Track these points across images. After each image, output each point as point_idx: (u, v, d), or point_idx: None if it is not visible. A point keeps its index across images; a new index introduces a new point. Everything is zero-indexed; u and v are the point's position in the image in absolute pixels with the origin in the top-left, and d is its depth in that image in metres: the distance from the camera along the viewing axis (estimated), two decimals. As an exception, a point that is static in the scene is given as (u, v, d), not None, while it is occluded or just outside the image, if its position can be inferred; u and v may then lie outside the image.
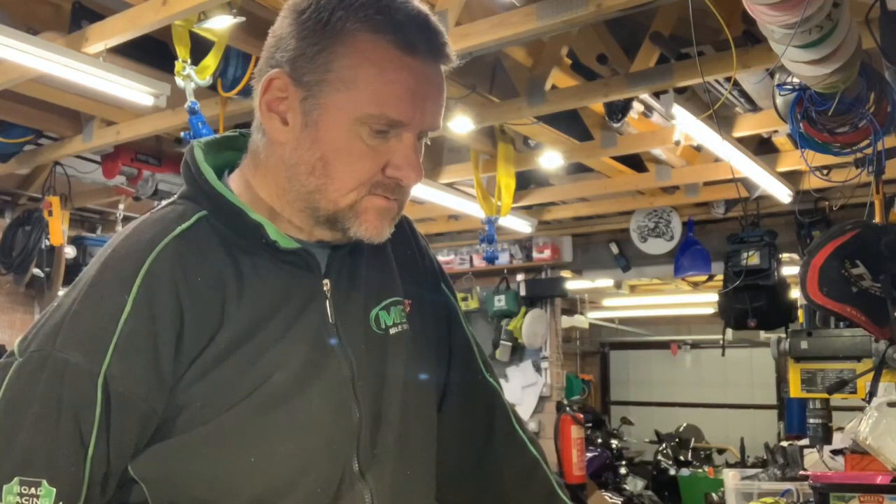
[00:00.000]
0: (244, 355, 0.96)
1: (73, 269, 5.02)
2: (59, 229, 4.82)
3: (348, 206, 1.00)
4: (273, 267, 1.01)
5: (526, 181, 5.13)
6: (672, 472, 7.81)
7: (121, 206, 4.97)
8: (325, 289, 1.05)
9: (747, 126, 3.86)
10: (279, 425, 0.97)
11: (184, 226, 0.99)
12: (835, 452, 2.91)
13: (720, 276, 5.30)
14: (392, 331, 1.10)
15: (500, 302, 6.48)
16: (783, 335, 2.67)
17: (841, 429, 3.03)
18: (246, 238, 1.01)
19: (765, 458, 5.72)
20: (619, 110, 3.66)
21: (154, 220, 1.02)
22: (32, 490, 0.87)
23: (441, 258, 6.43)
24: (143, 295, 0.93)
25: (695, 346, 10.09)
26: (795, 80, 2.56)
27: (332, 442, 1.00)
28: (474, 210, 4.85)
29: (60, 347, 0.91)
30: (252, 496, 0.96)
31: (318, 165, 0.99)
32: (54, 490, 0.87)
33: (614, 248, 6.15)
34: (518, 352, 6.50)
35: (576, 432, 6.18)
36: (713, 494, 6.10)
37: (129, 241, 0.99)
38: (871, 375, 2.29)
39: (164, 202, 1.07)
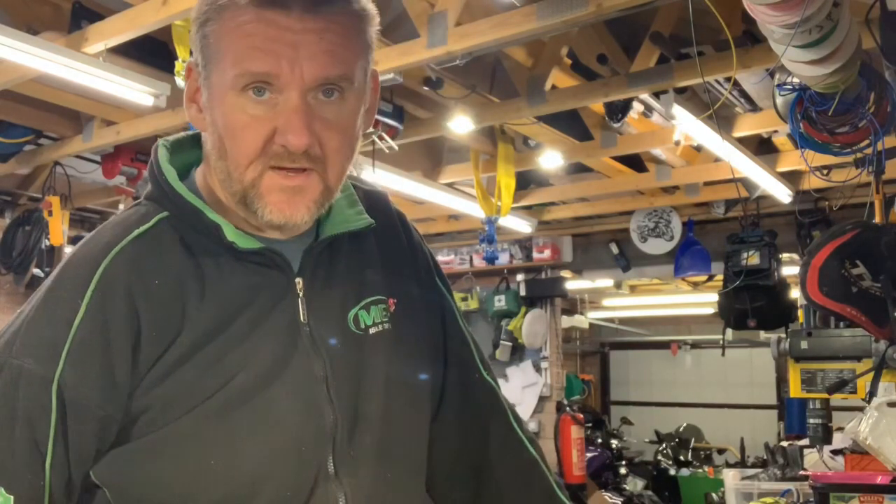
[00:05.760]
0: (206, 357, 0.94)
1: (73, 269, 5.02)
2: (59, 229, 4.83)
3: (250, 186, 0.96)
4: (238, 267, 0.99)
5: (526, 181, 5.13)
6: (672, 472, 7.82)
7: (121, 206, 4.96)
8: (297, 287, 1.02)
9: (747, 126, 3.86)
10: (241, 427, 0.94)
11: (142, 228, 0.98)
12: (835, 452, 2.91)
13: (720, 276, 5.30)
14: (372, 330, 1.07)
15: (500, 302, 6.48)
16: (783, 335, 2.67)
17: (841, 429, 3.03)
18: (208, 238, 0.99)
19: (765, 458, 5.73)
20: (619, 110, 3.66)
21: (116, 222, 1.00)
22: None
23: (441, 258, 6.44)
24: (97, 300, 0.92)
25: (695, 346, 10.08)
26: (795, 80, 2.56)
27: (302, 443, 0.97)
28: (474, 210, 4.85)
29: (16, 354, 0.91)
30: (214, 500, 0.94)
31: (221, 148, 0.96)
32: (12, 497, 0.87)
33: (614, 248, 6.15)
34: (518, 352, 6.50)
35: (576, 432, 6.18)
36: (713, 494, 6.12)
37: (88, 246, 0.97)
38: (871, 375, 2.30)
39: (131, 204, 1.05)
